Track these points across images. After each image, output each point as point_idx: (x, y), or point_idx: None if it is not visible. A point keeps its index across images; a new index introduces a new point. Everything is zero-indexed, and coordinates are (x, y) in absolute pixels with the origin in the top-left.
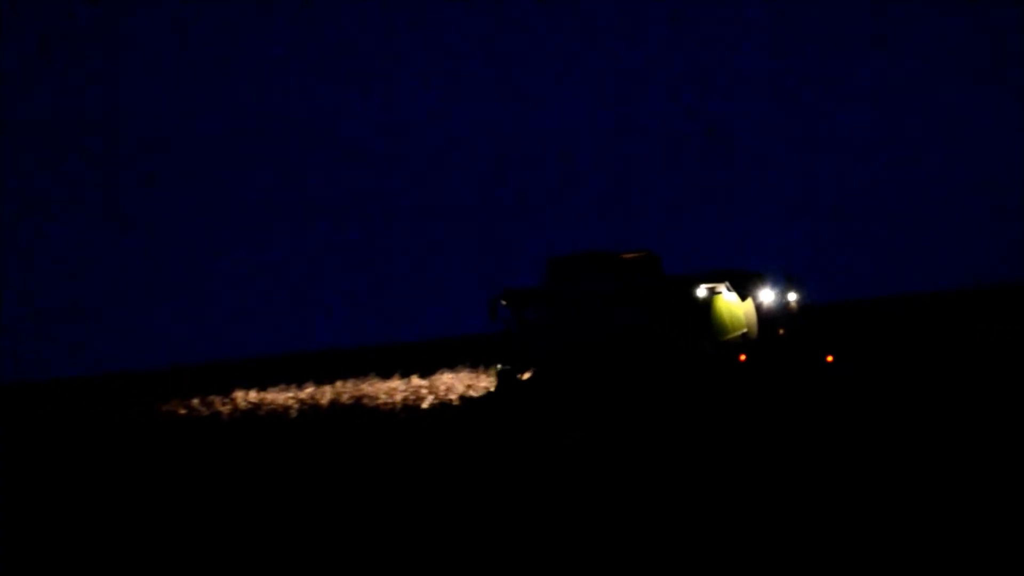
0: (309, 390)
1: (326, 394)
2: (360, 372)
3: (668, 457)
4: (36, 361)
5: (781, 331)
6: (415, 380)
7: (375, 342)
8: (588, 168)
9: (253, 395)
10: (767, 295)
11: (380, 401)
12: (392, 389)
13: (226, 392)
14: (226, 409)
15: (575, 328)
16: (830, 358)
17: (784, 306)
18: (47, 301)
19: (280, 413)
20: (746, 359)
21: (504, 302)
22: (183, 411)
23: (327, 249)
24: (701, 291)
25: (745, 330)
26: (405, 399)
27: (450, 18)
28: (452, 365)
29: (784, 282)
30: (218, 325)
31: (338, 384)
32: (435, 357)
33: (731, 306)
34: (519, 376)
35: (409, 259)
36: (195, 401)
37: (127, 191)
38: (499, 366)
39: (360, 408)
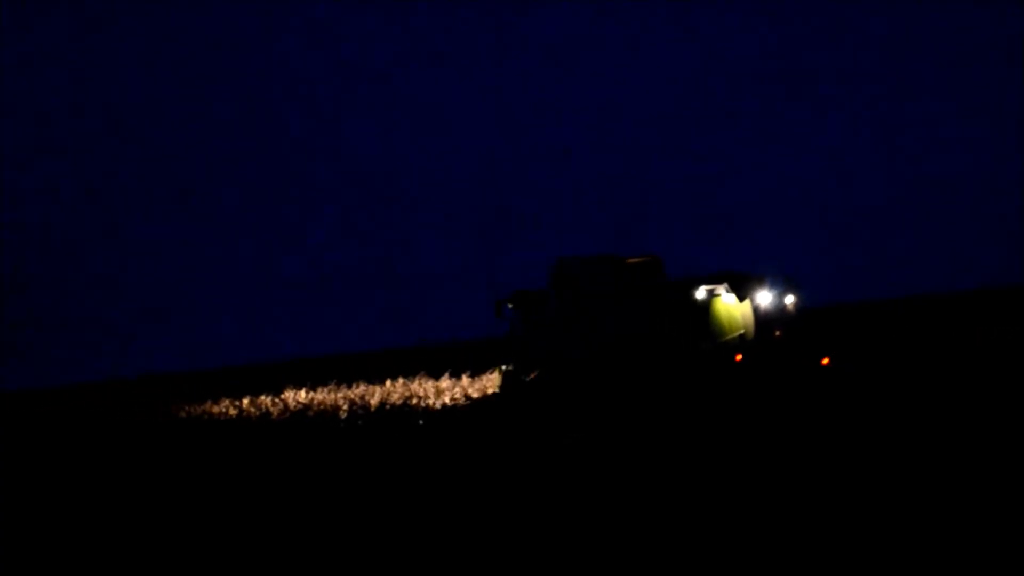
0: (359, 390)
1: (375, 394)
2: (412, 371)
3: (668, 457)
4: (89, 362)
5: (778, 332)
6: (464, 380)
7: (430, 341)
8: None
9: (303, 395)
10: (764, 297)
11: (430, 401)
12: (441, 389)
13: (277, 392)
14: (276, 409)
15: (580, 330)
16: (826, 360)
17: (781, 308)
18: (93, 303)
19: (330, 413)
20: (742, 359)
21: (510, 304)
22: (233, 411)
23: (380, 248)
24: (700, 293)
25: (742, 331)
26: (454, 399)
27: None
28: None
29: (782, 284)
30: (267, 326)
31: (388, 384)
32: (487, 357)
33: (729, 308)
34: (524, 377)
35: (461, 259)
36: (245, 401)
37: (171, 189)
38: (504, 367)
39: (406, 408)
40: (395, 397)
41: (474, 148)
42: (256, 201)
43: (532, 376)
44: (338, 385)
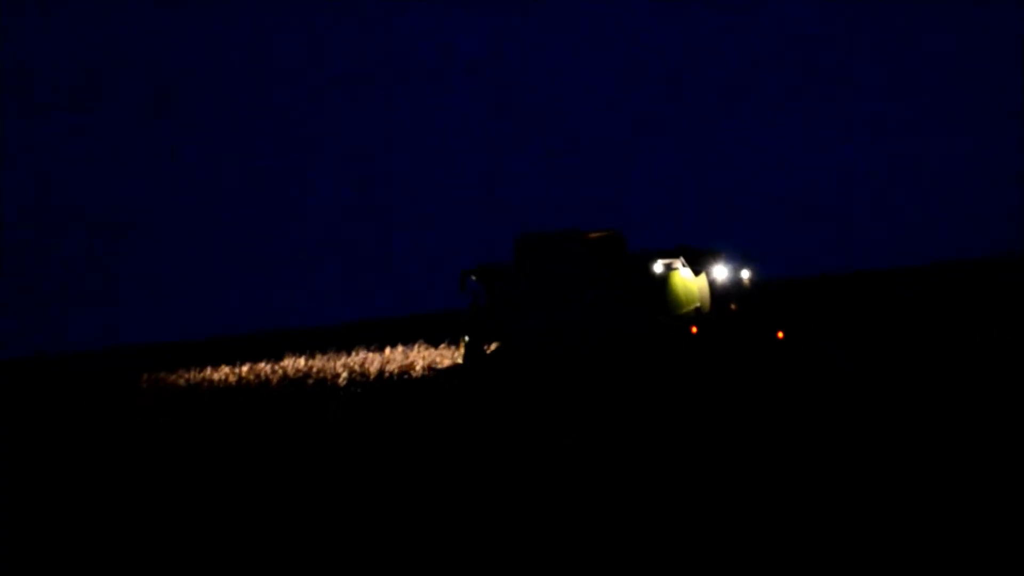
0: (358, 357)
1: (375, 362)
2: (412, 340)
3: (666, 454)
4: (90, 330)
5: (733, 306)
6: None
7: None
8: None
9: (302, 362)
10: (720, 271)
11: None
12: (442, 357)
13: (277, 359)
14: (275, 377)
15: (542, 304)
16: (780, 334)
17: (737, 282)
18: (92, 272)
19: (330, 381)
20: (697, 332)
21: (474, 277)
22: (233, 378)
23: (380, 219)
24: (658, 267)
25: (698, 304)
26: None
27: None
28: None
29: (738, 259)
30: (267, 295)
31: (387, 352)
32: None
33: (686, 282)
34: (485, 348)
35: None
36: (244, 368)
37: (178, 158)
38: (466, 338)
39: (405, 377)
40: (394, 366)
41: (465, 127)
42: (256, 176)
43: (493, 347)
44: (337, 353)
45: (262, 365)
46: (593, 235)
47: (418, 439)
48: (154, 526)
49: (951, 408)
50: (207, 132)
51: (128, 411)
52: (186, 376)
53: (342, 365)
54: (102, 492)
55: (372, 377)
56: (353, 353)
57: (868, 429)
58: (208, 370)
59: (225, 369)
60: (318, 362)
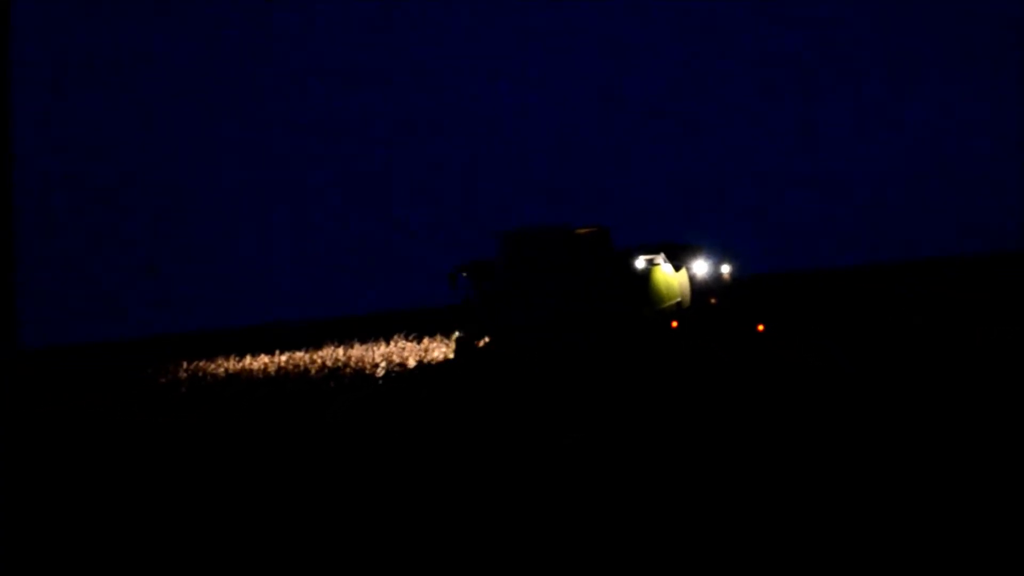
0: (398, 346)
1: (413, 352)
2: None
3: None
4: (128, 319)
5: (713, 300)
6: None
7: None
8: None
9: (341, 352)
10: (700, 266)
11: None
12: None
13: (317, 347)
14: (314, 367)
15: (530, 299)
16: (761, 327)
17: (717, 277)
18: (132, 259)
19: (369, 371)
20: (677, 326)
21: (464, 273)
22: (272, 368)
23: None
24: (640, 263)
25: (679, 299)
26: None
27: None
28: None
29: (719, 254)
30: (310, 283)
31: (425, 341)
32: None
33: (667, 277)
34: (476, 343)
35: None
36: (283, 358)
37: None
38: (457, 334)
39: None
40: (437, 354)
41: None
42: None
43: (483, 343)
44: (376, 342)
45: (300, 354)
46: (580, 231)
47: (418, 435)
48: (173, 515)
49: (951, 408)
50: (238, 122)
51: (169, 401)
52: (225, 365)
53: (380, 355)
54: (127, 480)
55: (408, 367)
56: (392, 343)
57: (868, 429)
58: (248, 359)
59: (264, 358)
60: (356, 352)
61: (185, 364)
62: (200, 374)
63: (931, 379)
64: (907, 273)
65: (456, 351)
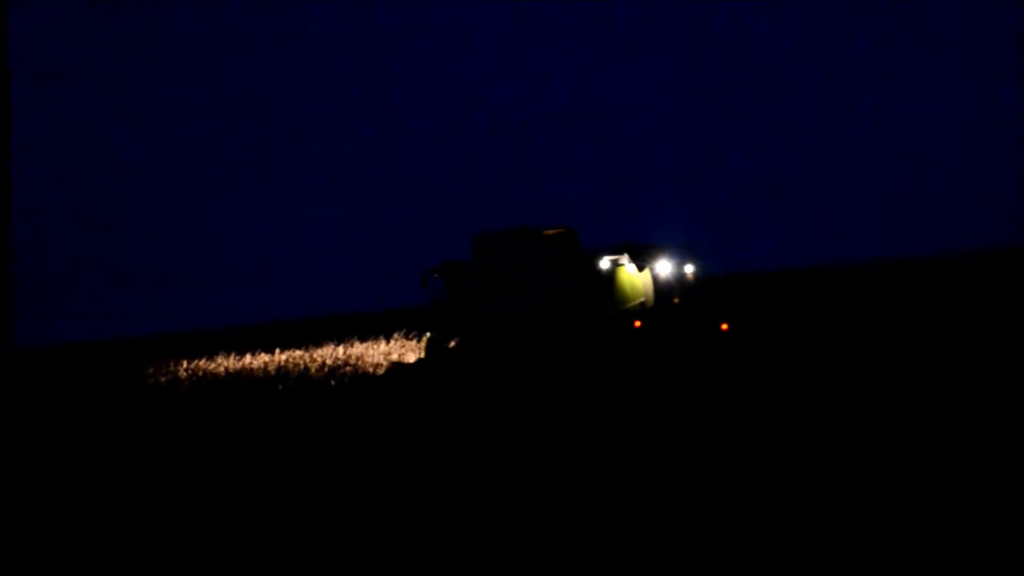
0: (396, 343)
1: (414, 351)
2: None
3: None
4: (134, 316)
5: (676, 300)
6: None
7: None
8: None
9: (340, 351)
10: (664, 266)
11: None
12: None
13: (317, 346)
14: (314, 365)
15: (501, 300)
16: (725, 326)
17: (680, 277)
18: (131, 259)
19: (370, 370)
20: (641, 325)
21: (436, 274)
22: (271, 367)
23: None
24: (605, 263)
25: (643, 299)
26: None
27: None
28: None
29: (682, 254)
30: (306, 282)
31: (424, 340)
32: None
33: (631, 277)
34: (446, 344)
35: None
36: (282, 357)
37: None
38: (428, 334)
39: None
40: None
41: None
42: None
43: (453, 344)
44: (376, 340)
45: (300, 353)
46: (548, 232)
47: (417, 436)
48: (173, 511)
49: (951, 408)
50: (248, 124)
51: (169, 401)
52: (225, 364)
53: (381, 353)
54: (125, 478)
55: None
56: (392, 341)
57: (868, 429)
58: (248, 358)
59: (264, 357)
60: (356, 350)
61: (185, 364)
62: (200, 373)
63: (931, 379)
64: (907, 273)
65: (426, 351)
